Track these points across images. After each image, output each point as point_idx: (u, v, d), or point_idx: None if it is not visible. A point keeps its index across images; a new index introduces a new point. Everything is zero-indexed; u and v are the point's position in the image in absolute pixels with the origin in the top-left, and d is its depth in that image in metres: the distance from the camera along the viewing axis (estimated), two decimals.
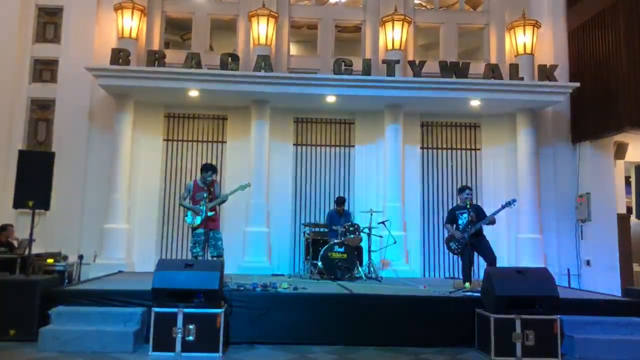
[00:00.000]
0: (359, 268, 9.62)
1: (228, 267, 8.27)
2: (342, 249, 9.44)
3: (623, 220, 11.65)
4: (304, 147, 12.15)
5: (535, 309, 6.48)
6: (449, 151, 12.25)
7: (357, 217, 10.84)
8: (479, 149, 12.27)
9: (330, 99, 11.23)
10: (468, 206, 8.16)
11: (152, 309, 6.22)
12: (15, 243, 9.67)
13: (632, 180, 8.47)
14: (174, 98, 11.43)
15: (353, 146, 12.20)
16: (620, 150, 11.67)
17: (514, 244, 11.46)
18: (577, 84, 11.19)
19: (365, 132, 12.13)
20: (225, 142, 12.01)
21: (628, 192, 12.32)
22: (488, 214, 8.19)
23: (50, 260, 9.14)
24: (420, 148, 12.20)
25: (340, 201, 10.45)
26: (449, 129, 12.32)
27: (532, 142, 11.60)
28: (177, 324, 6.14)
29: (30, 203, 7.25)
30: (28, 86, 11.66)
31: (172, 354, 6.05)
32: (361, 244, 10.07)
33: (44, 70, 11.80)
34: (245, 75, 10.96)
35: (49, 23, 11.97)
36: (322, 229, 10.60)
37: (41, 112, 11.67)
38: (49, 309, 6.61)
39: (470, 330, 6.87)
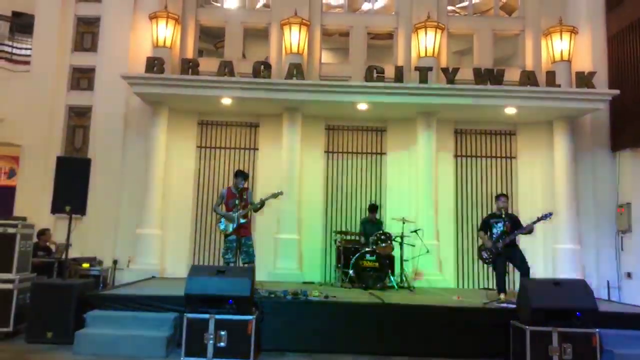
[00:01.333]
0: (391, 277, 9.52)
1: (259, 274, 8.30)
2: (373, 258, 9.36)
3: None
4: (335, 155, 12.12)
5: (573, 322, 6.30)
6: (484, 159, 12.05)
7: (389, 226, 10.73)
8: (514, 157, 12.03)
9: (362, 106, 11.19)
10: (503, 215, 8.01)
11: (185, 314, 6.27)
12: (53, 247, 9.89)
13: None
14: (207, 105, 11.55)
15: (385, 154, 12.11)
16: None
17: (550, 254, 11.18)
18: (617, 91, 10.87)
19: (397, 139, 12.03)
20: (257, 149, 12.07)
21: None
22: (524, 223, 8.02)
23: (85, 265, 9.35)
24: (454, 156, 12.03)
25: (372, 208, 10.38)
26: (484, 136, 12.12)
27: (570, 150, 11.33)
28: (209, 329, 6.17)
29: (68, 208, 7.40)
30: (66, 94, 11.95)
31: (204, 359, 6.07)
32: (393, 252, 9.96)
33: (82, 78, 12.09)
34: (277, 83, 11.01)
35: (86, 32, 12.26)
36: (353, 237, 10.53)
37: (78, 119, 11.93)
38: (84, 313, 6.75)
39: (504, 342, 6.72)
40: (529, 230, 7.84)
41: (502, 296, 7.78)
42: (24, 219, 7.70)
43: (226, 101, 11.15)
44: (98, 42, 12.11)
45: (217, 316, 6.22)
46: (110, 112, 11.71)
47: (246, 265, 8.01)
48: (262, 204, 8.21)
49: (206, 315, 6.23)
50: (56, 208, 7.51)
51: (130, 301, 7.01)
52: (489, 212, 10.20)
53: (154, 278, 10.06)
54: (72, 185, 7.50)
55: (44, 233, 9.80)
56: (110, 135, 11.64)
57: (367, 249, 9.46)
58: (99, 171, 10.43)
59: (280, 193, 8.43)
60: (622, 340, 6.60)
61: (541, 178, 11.73)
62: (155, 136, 11.39)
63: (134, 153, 11.56)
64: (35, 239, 9.79)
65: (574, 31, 11.68)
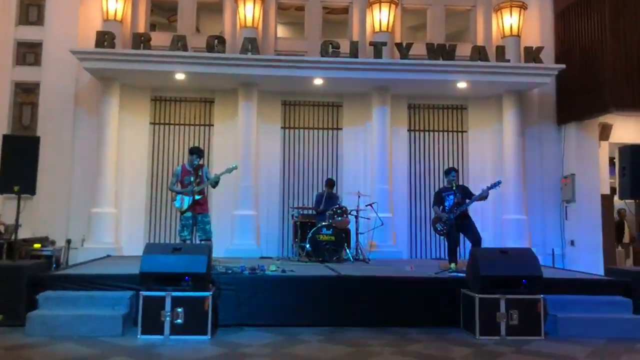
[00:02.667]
0: (347, 250, 9.70)
1: (217, 251, 8.33)
2: (329, 232, 9.50)
3: (606, 201, 11.80)
4: (292, 130, 12.14)
5: (520, 288, 6.58)
6: (436, 133, 12.31)
7: (344, 200, 10.88)
8: (465, 131, 12.34)
9: (318, 81, 11.21)
10: (454, 187, 8.24)
11: (141, 292, 6.24)
12: (2, 228, 9.63)
13: (616, 161, 8.57)
14: (160, 81, 11.35)
15: (341, 129, 12.21)
16: (604, 132, 11.78)
17: (499, 225, 11.59)
18: (563, 66, 11.23)
19: (353, 114, 12.13)
20: (213, 125, 11.97)
21: (612, 173, 12.45)
22: (475, 194, 8.27)
23: (37, 245, 9.16)
24: (408, 130, 12.24)
25: (330, 184, 10.50)
26: (436, 111, 12.36)
27: (518, 124, 11.68)
28: (166, 307, 6.17)
29: (16, 188, 7.20)
30: (12, 69, 11.49)
31: (160, 337, 6.09)
32: (349, 226, 10.13)
33: (28, 53, 11.64)
34: (231, 58, 10.89)
35: (32, 5, 11.76)
36: (310, 212, 10.65)
37: (25, 95, 11.54)
38: (36, 294, 6.60)
39: (455, 310, 6.97)
40: (481, 197, 8.10)
41: (453, 266, 8.04)
42: None
43: (179, 76, 10.98)
44: (45, 15, 11.65)
45: (174, 293, 6.21)
46: (60, 88, 11.35)
47: (203, 242, 8.02)
48: (217, 179, 8.19)
49: (162, 293, 6.21)
50: (4, 188, 7.30)
51: (84, 281, 6.89)
52: (441, 185, 10.46)
53: (109, 257, 9.94)
54: (20, 164, 7.28)
55: None
56: (60, 112, 11.31)
57: (323, 223, 9.59)
58: (49, 149, 10.13)
59: (235, 167, 8.41)
60: (565, 304, 6.92)
61: (491, 151, 12.08)
62: (106, 113, 11.14)
63: (85, 130, 11.29)
64: None
65: (523, 7, 11.93)
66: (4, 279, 6.63)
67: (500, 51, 11.36)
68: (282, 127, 12.11)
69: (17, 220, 7.37)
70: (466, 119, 12.36)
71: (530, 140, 11.97)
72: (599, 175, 11.74)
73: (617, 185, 8.49)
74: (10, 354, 5.41)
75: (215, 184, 8.25)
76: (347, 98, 12.16)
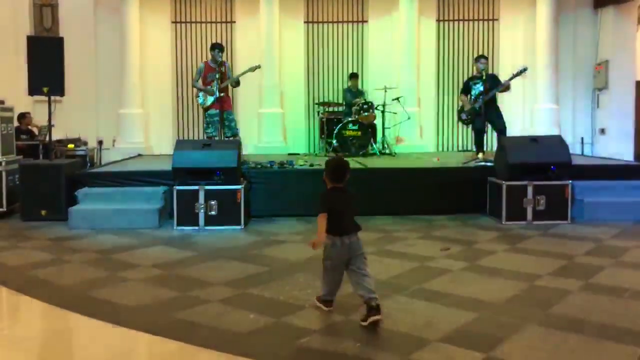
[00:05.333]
0: (373, 145, 9.72)
1: (245, 148, 8.45)
2: (356, 127, 9.48)
3: None
4: (315, 25, 11.79)
5: (548, 175, 6.60)
6: (466, 23, 11.81)
7: (371, 94, 10.74)
8: (497, 19, 11.80)
9: None
10: (484, 76, 8.05)
11: (174, 187, 6.45)
12: (35, 130, 9.86)
13: None
14: None
15: (366, 21, 11.81)
16: None
17: (529, 115, 11.37)
18: None
19: (379, 5, 11.66)
20: (234, 22, 11.70)
21: None
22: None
23: (71, 146, 9.41)
24: (436, 21, 11.77)
25: (353, 76, 10.31)
26: None
27: (552, 9, 11.08)
28: (199, 200, 6.40)
29: (46, 89, 7.27)
30: None
31: (196, 227, 6.37)
32: (375, 121, 10.09)
33: None
34: None
35: None
36: (336, 108, 10.59)
37: None
38: (75, 191, 6.88)
39: (482, 198, 7.06)
40: (506, 86, 7.92)
41: (480, 155, 8.03)
42: (2, 102, 7.60)
43: None
44: None
45: (207, 187, 6.43)
46: None
47: (230, 139, 8.12)
48: (238, 79, 8.16)
49: (195, 187, 6.43)
50: (34, 89, 7.39)
51: (120, 177, 7.15)
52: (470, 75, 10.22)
53: (140, 156, 10.18)
54: (47, 66, 7.31)
55: (24, 117, 9.73)
56: (80, 13, 11.15)
57: (349, 119, 9.56)
58: (72, 51, 9.95)
59: (258, 66, 8.33)
60: (593, 190, 6.95)
61: (523, 39, 11.58)
62: (127, 12, 10.92)
63: (107, 31, 11.16)
64: (16, 124, 9.78)
65: None
66: (44, 177, 6.93)
67: None
68: (305, 22, 11.76)
69: (49, 121, 7.52)
70: (497, 6, 11.76)
71: (564, 27, 11.39)
72: (634, 61, 11.25)
73: None
74: (57, 244, 5.75)
75: (236, 83, 8.23)
76: None
